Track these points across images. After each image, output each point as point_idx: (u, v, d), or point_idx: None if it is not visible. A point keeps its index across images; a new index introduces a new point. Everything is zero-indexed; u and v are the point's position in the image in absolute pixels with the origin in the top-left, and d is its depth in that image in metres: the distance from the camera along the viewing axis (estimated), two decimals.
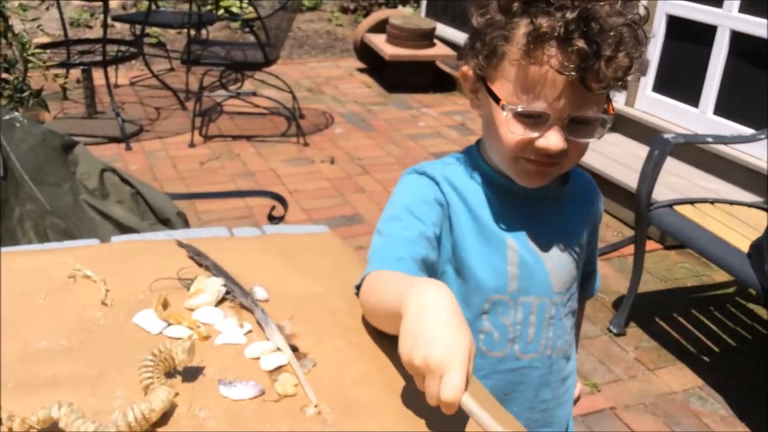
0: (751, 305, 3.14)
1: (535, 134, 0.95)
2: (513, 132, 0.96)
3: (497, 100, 0.96)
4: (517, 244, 1.05)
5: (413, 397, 0.86)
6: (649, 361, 2.71)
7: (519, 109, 0.94)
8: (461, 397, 0.73)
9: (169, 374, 0.85)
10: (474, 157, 1.10)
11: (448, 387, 0.71)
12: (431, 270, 1.02)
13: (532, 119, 0.95)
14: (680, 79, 4.19)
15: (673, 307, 3.08)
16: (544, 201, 1.08)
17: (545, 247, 1.07)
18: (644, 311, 2.98)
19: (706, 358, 2.76)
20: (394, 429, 0.80)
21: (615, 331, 2.84)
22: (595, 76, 0.89)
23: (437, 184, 1.06)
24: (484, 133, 1.06)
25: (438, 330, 0.74)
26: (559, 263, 1.08)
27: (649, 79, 4.35)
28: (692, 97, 4.11)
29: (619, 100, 4.56)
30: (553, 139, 0.94)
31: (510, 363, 1.08)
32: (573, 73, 0.89)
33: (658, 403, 2.49)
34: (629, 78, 0.92)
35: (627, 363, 2.70)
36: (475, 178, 1.08)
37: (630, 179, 3.42)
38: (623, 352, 2.75)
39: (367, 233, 3.45)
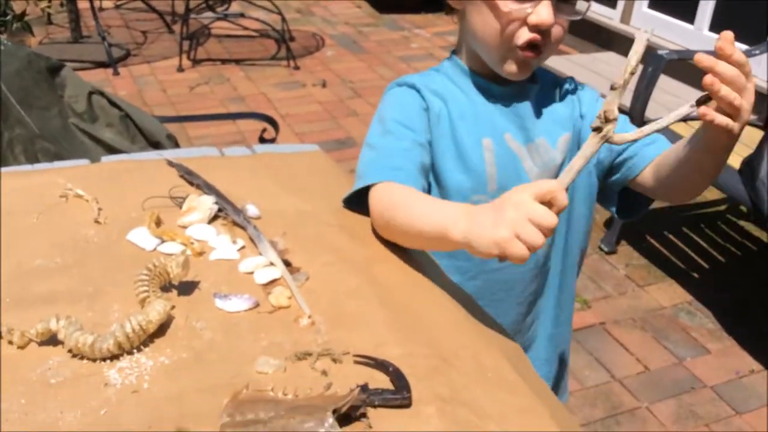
0: (742, 222, 3.17)
1: (528, 9, 0.98)
2: (507, 9, 0.98)
3: None
4: (494, 144, 1.08)
5: (402, 310, 0.89)
6: (639, 278, 2.75)
7: None
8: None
9: (165, 288, 0.86)
10: (453, 62, 1.13)
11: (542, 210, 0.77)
12: (428, 171, 1.07)
13: None
14: None
15: (665, 225, 3.11)
16: (520, 100, 1.09)
17: (523, 147, 1.09)
18: (635, 230, 3.01)
19: (695, 275, 2.81)
20: (385, 338, 0.82)
21: (606, 249, 2.88)
22: None
23: (419, 91, 1.09)
24: (466, 37, 1.09)
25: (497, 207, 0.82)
26: (539, 161, 1.09)
27: None
28: (688, 14, 4.04)
29: (614, 17, 4.49)
30: (544, 13, 0.98)
31: (495, 262, 1.11)
32: None
33: (647, 318, 2.54)
34: None
35: (617, 280, 2.74)
36: (454, 82, 1.11)
37: (624, 98, 3.40)
38: (614, 270, 2.80)
39: None
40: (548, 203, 0.79)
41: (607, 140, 0.81)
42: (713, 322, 2.54)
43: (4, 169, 1.12)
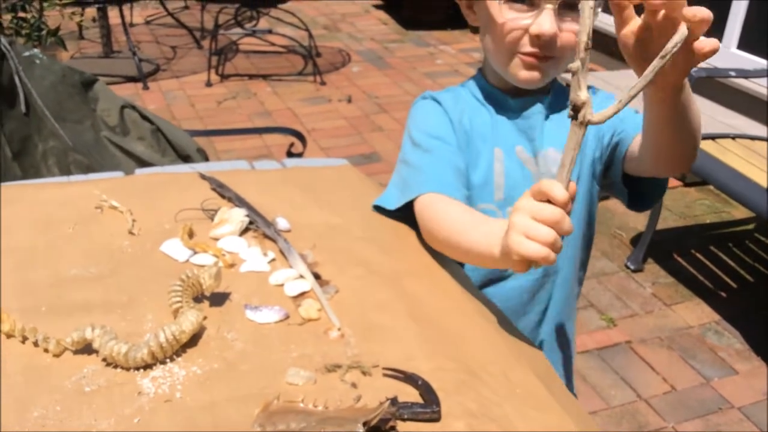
0: None
1: (528, 20, 0.97)
2: (506, 19, 0.98)
3: None
4: (504, 154, 1.09)
5: (431, 323, 0.89)
6: (666, 297, 2.72)
7: None
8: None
9: (197, 299, 0.88)
10: (476, 77, 1.15)
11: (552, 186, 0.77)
12: (465, 175, 1.08)
13: (525, 5, 0.98)
14: None
15: (692, 243, 3.08)
16: (532, 112, 1.10)
17: (532, 158, 1.10)
18: (662, 248, 2.98)
19: (723, 294, 2.77)
20: (415, 351, 0.83)
21: (632, 267, 2.86)
22: None
23: (440, 103, 1.12)
24: (483, 47, 1.10)
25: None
26: (546, 171, 1.10)
27: None
28: (716, 31, 4.02)
29: None
30: (545, 24, 0.96)
31: (499, 272, 1.12)
32: None
33: (674, 337, 2.51)
34: None
35: (644, 298, 2.72)
36: (475, 96, 1.12)
37: None
38: (640, 288, 2.77)
39: (385, 171, 3.46)
40: (547, 201, 0.79)
41: (587, 123, 0.75)
42: (741, 342, 2.50)
43: (41, 181, 1.15)
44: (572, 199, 0.78)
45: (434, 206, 1.01)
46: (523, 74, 1.03)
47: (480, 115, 1.11)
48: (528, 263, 0.80)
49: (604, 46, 4.47)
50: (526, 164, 1.10)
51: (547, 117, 1.11)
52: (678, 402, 2.22)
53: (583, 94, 0.73)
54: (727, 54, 3.95)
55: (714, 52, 0.73)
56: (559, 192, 0.77)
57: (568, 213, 0.78)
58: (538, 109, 1.10)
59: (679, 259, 2.97)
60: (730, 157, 2.66)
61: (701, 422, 2.14)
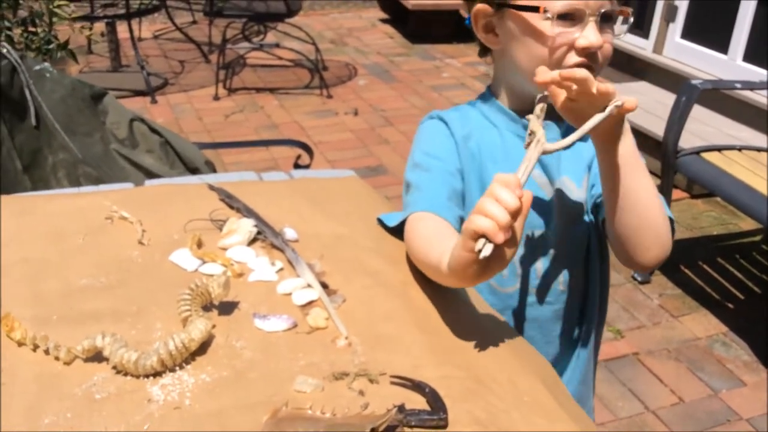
0: None
1: (575, 34, 0.97)
2: (554, 35, 0.98)
3: (535, 8, 0.98)
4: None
5: (438, 333, 0.89)
6: (673, 308, 2.72)
7: (559, 8, 0.96)
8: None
9: (206, 308, 0.88)
10: (484, 97, 1.14)
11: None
12: (461, 197, 1.07)
13: (567, 20, 0.98)
14: (709, 25, 4.10)
15: (699, 255, 3.07)
16: (550, 138, 1.08)
17: (548, 183, 1.09)
18: (669, 259, 2.93)
19: (730, 305, 2.77)
20: (422, 360, 0.83)
21: (639, 278, 2.85)
22: None
23: (447, 124, 1.11)
24: (505, 74, 1.09)
25: None
26: (561, 199, 1.10)
27: (677, 26, 4.26)
28: (721, 44, 4.03)
29: (646, 47, 4.49)
30: (591, 36, 0.97)
31: (520, 299, 1.11)
32: None
33: (682, 349, 2.51)
34: None
35: (651, 310, 2.71)
36: (487, 117, 1.11)
37: (657, 127, 3.38)
38: (647, 300, 2.77)
39: (392, 184, 3.47)
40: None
41: (543, 149, 0.86)
42: (749, 353, 2.49)
43: (51, 192, 1.16)
44: (528, 203, 0.79)
45: (416, 224, 1.00)
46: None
47: (489, 135, 1.10)
48: (474, 241, 0.79)
49: (611, 61, 4.49)
50: (543, 188, 1.09)
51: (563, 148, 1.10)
52: (686, 414, 2.21)
53: (538, 130, 0.87)
54: (733, 66, 3.95)
55: (633, 108, 0.89)
56: (514, 180, 0.79)
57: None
58: (554, 134, 1.09)
59: (687, 271, 2.96)
60: (736, 168, 2.66)
61: None
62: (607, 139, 0.93)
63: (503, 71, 1.10)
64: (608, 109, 0.87)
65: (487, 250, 0.77)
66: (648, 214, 0.97)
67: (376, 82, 4.95)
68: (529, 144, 0.87)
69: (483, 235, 0.77)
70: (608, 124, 0.89)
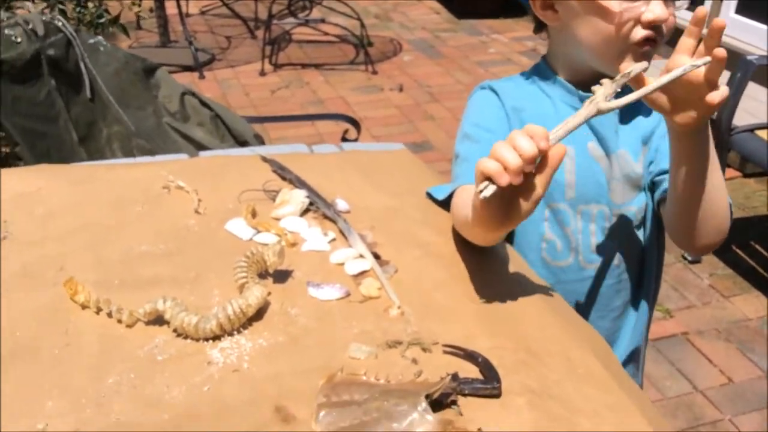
0: None
1: (641, 7, 0.96)
2: (620, 8, 0.96)
3: None
4: (576, 152, 1.07)
5: (489, 304, 0.90)
6: (724, 288, 2.67)
7: None
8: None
9: (261, 276, 0.90)
10: (539, 67, 1.13)
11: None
12: None
13: None
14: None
15: (751, 235, 3.00)
16: (608, 113, 1.07)
17: (605, 157, 1.08)
18: None
19: None
20: (474, 330, 0.84)
21: (690, 258, 2.81)
22: None
23: (497, 95, 1.10)
24: (565, 49, 1.07)
25: None
26: (619, 172, 1.08)
27: (732, 1, 4.14)
28: None
29: None
30: (658, 8, 0.96)
31: (574, 273, 1.11)
32: None
33: (732, 329, 2.46)
34: None
35: (701, 290, 2.67)
36: (541, 88, 1.10)
37: None
38: (697, 279, 2.72)
39: (437, 160, 3.46)
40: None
41: (598, 109, 0.81)
42: None
43: (110, 162, 1.19)
44: (556, 158, 0.78)
45: (462, 194, 0.99)
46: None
47: (542, 106, 1.09)
48: (481, 180, 0.78)
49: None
50: (599, 161, 1.08)
51: (620, 118, 1.09)
52: (735, 394, 2.18)
53: (607, 86, 0.82)
54: None
55: (722, 101, 0.84)
56: (540, 131, 0.77)
57: (540, 155, 0.77)
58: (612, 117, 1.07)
59: (738, 251, 2.90)
60: None
61: (758, 415, 2.10)
62: (692, 125, 0.88)
63: (562, 46, 1.08)
64: (683, 68, 0.81)
65: (488, 191, 0.77)
66: (714, 204, 0.95)
67: (422, 58, 4.92)
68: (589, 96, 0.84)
69: (488, 178, 0.77)
70: (697, 111, 0.85)
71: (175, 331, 0.80)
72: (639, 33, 0.97)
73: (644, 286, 1.14)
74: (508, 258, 1.01)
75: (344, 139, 2.32)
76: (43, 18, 1.77)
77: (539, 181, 0.78)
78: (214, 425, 0.69)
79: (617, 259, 1.11)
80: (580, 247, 1.09)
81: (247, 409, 0.71)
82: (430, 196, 1.12)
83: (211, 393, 0.73)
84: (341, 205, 1.09)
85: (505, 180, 0.76)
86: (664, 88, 0.83)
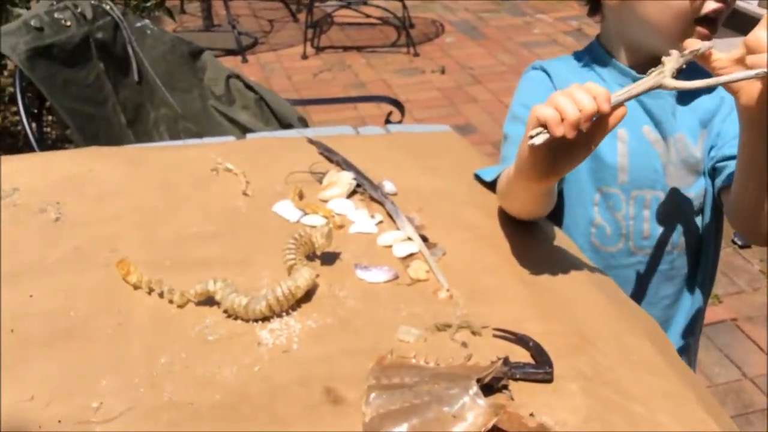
0: None
1: None
2: None
3: None
4: (629, 135, 1.04)
5: (540, 287, 0.88)
6: None
7: None
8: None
9: (309, 258, 0.90)
10: (593, 47, 1.10)
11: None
12: None
13: None
14: None
15: None
16: (666, 96, 1.05)
17: (661, 141, 1.05)
18: None
19: None
20: (524, 314, 0.82)
21: (740, 243, 2.74)
22: None
23: (549, 76, 1.08)
24: (624, 30, 1.05)
25: None
26: (676, 156, 1.05)
27: None
28: None
29: (752, 0, 4.24)
30: None
31: (624, 258, 1.08)
32: None
33: None
34: None
35: (751, 275, 2.60)
36: (594, 69, 1.08)
37: None
38: (748, 264, 2.66)
39: (480, 143, 3.43)
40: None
41: (662, 84, 0.79)
42: None
43: (159, 144, 1.20)
44: (616, 119, 0.76)
45: (500, 183, 0.98)
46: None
47: None
48: (535, 126, 0.77)
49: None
50: (654, 145, 1.05)
51: (678, 100, 1.06)
52: None
53: (675, 58, 0.80)
54: None
55: None
56: (603, 92, 0.75)
57: (599, 112, 0.75)
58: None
59: None
60: None
61: None
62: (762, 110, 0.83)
63: (619, 26, 1.05)
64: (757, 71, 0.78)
65: (539, 138, 0.76)
66: None
67: (464, 40, 4.87)
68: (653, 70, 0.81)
69: (543, 125, 0.75)
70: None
71: (225, 312, 0.81)
72: (710, 5, 0.95)
73: (699, 275, 1.12)
74: (557, 241, 0.99)
75: (388, 122, 2.31)
76: (92, 1, 1.79)
77: (592, 139, 0.77)
78: (266, 405, 0.70)
79: (670, 245, 1.08)
80: (631, 234, 1.07)
81: (297, 390, 0.71)
82: (478, 177, 1.10)
83: (261, 373, 0.73)
84: (388, 187, 1.08)
85: (560, 131, 0.74)
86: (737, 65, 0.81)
